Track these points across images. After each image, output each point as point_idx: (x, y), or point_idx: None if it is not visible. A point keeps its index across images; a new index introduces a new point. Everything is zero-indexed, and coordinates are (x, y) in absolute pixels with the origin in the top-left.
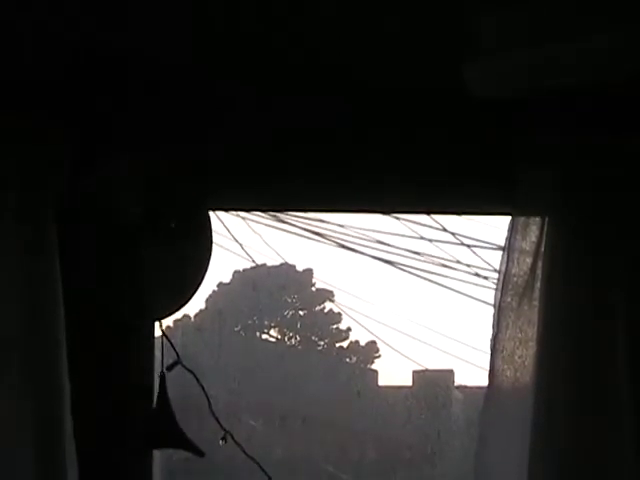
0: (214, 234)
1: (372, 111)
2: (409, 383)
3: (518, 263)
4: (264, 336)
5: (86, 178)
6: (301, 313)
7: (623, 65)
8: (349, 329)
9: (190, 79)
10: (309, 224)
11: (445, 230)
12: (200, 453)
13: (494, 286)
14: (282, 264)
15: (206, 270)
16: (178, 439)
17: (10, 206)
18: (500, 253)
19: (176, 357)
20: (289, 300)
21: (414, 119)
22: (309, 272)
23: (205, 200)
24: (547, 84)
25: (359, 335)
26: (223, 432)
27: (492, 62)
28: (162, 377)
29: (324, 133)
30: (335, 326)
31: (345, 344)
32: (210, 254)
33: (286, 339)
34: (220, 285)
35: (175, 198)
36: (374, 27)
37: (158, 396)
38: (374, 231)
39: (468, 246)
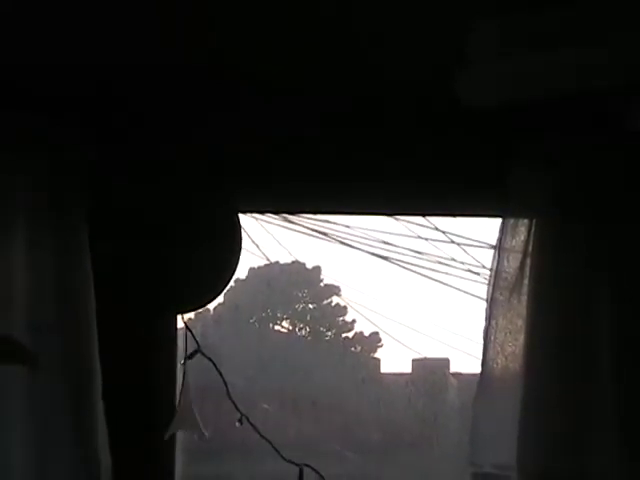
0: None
1: (374, 120)
2: (409, 370)
3: (508, 261)
4: (277, 327)
5: (116, 180)
6: (310, 306)
7: (604, 76)
8: (354, 321)
9: (201, 84)
10: (317, 225)
11: (440, 230)
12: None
13: (486, 282)
14: (293, 262)
15: (234, 271)
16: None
17: (46, 205)
18: (492, 252)
19: (197, 346)
20: (299, 295)
21: (412, 130)
22: (318, 269)
23: (234, 203)
24: (535, 92)
25: (363, 326)
26: (239, 415)
27: (483, 70)
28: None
29: (331, 141)
30: (341, 318)
31: (350, 335)
32: (238, 255)
33: (297, 330)
34: (237, 281)
35: (205, 200)
36: (373, 36)
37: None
38: (376, 231)
39: (461, 245)
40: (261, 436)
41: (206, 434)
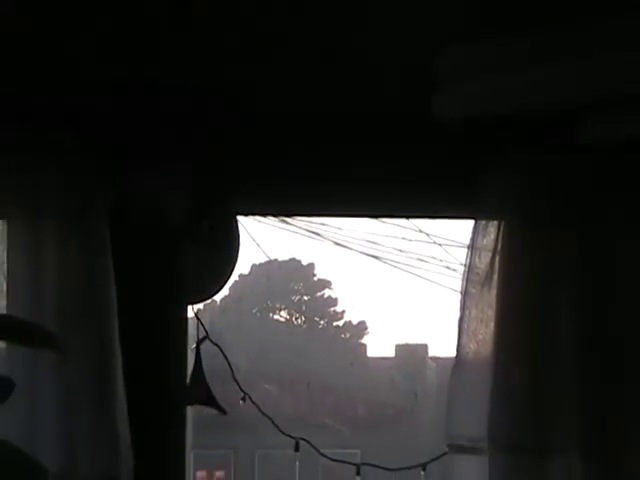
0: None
1: (360, 138)
2: (392, 354)
3: (479, 258)
4: (276, 317)
5: (135, 188)
6: (305, 298)
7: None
8: (344, 311)
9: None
10: (312, 226)
11: (422, 232)
12: (224, 412)
13: (460, 276)
14: (290, 259)
15: (234, 266)
16: (210, 400)
17: (73, 209)
18: (465, 250)
19: (205, 334)
20: (296, 288)
21: (398, 142)
22: (312, 265)
23: (234, 208)
24: (502, 109)
25: (352, 316)
26: (243, 394)
27: (457, 89)
28: (197, 350)
29: (325, 151)
30: (333, 309)
31: (341, 323)
32: (238, 254)
33: (293, 319)
34: (241, 276)
35: (209, 206)
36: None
37: (195, 365)
38: (365, 232)
39: (440, 244)
40: (262, 413)
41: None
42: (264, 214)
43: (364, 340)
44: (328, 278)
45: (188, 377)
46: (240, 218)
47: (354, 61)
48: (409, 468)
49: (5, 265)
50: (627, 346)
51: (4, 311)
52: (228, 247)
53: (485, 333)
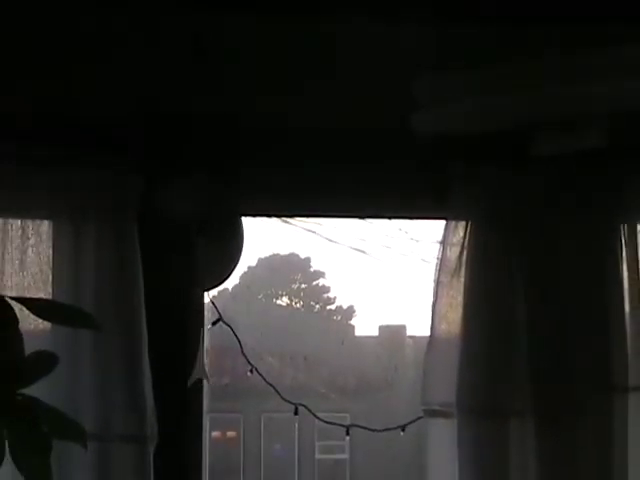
0: (245, 233)
1: (351, 153)
2: (376, 334)
3: (450, 252)
4: (278, 302)
5: (159, 192)
6: (303, 286)
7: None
8: (336, 297)
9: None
10: (309, 225)
11: (401, 230)
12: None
13: (434, 267)
14: (290, 253)
15: (239, 260)
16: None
17: (108, 210)
18: (438, 245)
19: (219, 316)
20: (295, 277)
21: (384, 157)
22: (308, 258)
23: (239, 209)
24: (471, 128)
25: (343, 301)
26: (250, 367)
27: (433, 110)
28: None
29: (321, 161)
30: (326, 295)
31: (333, 307)
32: (242, 249)
33: (293, 304)
34: (249, 267)
35: (218, 208)
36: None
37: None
38: (354, 230)
39: (417, 240)
40: (266, 382)
41: (210, 380)
42: (269, 215)
43: (352, 322)
44: (322, 269)
45: None
46: (249, 218)
47: (355, 84)
48: (391, 429)
49: (51, 258)
50: (573, 323)
51: (50, 297)
52: (234, 243)
53: (454, 315)
